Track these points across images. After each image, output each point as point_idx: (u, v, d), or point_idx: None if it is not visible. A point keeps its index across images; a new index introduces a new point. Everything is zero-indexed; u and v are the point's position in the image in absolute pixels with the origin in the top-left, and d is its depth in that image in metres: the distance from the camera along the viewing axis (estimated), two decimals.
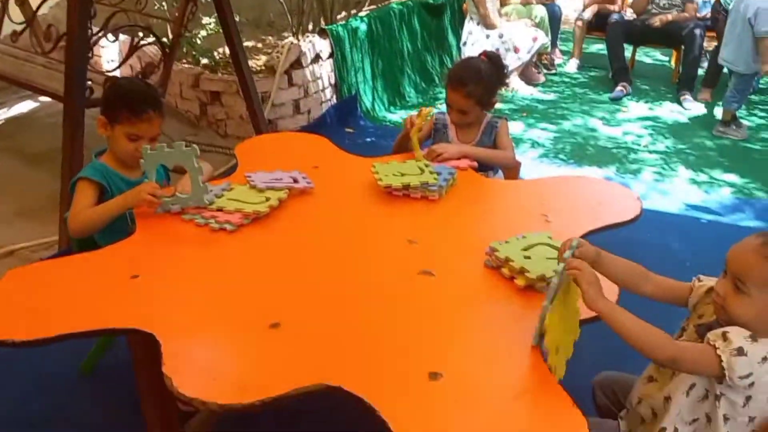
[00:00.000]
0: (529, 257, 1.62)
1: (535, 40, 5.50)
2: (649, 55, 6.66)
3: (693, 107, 5.20)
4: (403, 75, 5.41)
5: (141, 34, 3.36)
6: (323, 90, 4.51)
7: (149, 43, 3.46)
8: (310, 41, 4.31)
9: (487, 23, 5.47)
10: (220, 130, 4.18)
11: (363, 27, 4.83)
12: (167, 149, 1.81)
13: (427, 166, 2.11)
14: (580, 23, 6.08)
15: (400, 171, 2.07)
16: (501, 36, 5.49)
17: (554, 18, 6.10)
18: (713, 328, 1.33)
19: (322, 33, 4.50)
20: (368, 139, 4.55)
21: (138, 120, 1.90)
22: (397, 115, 5.04)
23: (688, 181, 3.95)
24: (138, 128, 1.91)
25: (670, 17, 5.46)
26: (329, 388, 1.26)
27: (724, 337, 1.27)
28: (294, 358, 1.33)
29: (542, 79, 5.85)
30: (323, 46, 4.44)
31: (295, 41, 4.23)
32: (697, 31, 5.31)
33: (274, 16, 5.37)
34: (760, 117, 5.07)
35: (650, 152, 4.37)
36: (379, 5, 5.37)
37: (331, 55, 4.53)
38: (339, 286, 1.60)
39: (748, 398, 1.28)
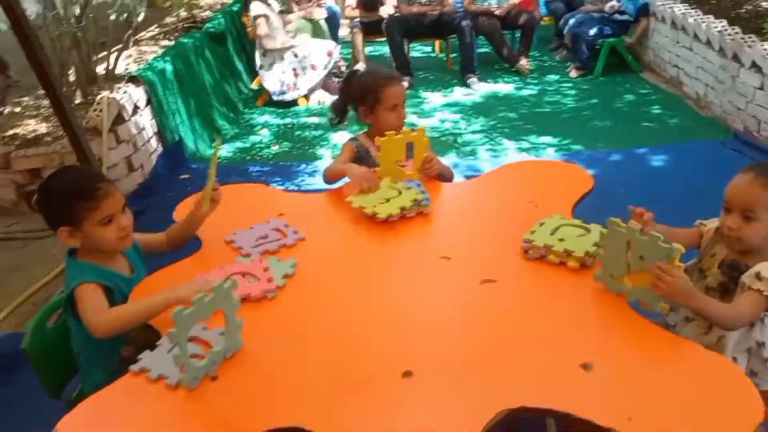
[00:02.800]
0: (563, 239, 1.75)
1: (330, 54, 5.66)
2: (417, 49, 7.23)
3: (480, 87, 5.83)
4: (212, 109, 5.20)
5: None
6: (149, 141, 4.15)
7: None
8: (125, 92, 3.93)
9: (264, 45, 5.49)
10: None
11: (169, 67, 4.53)
12: (206, 299, 1.35)
13: (395, 184, 2.11)
14: (356, 30, 6.38)
15: (383, 198, 2.05)
16: (296, 55, 5.56)
17: (334, 27, 6.34)
18: (734, 264, 1.59)
19: (133, 80, 4.13)
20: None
21: (98, 200, 1.67)
22: (222, 150, 4.83)
23: (517, 150, 4.45)
24: (104, 209, 1.68)
25: (436, 12, 6.01)
26: (512, 411, 1.26)
27: (759, 276, 1.51)
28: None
29: None
30: (139, 94, 4.08)
31: (110, 95, 3.82)
32: (464, 22, 5.93)
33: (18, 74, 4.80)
34: (542, 82, 5.87)
35: (472, 133, 4.82)
36: (172, 40, 5.09)
37: (148, 102, 4.18)
38: (419, 313, 1.57)
39: None
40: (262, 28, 5.43)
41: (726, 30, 4.42)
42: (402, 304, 1.63)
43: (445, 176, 2.36)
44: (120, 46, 5.01)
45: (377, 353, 1.46)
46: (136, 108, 4.02)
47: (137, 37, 5.69)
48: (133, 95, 3.99)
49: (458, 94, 5.76)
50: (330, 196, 2.24)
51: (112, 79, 4.69)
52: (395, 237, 1.94)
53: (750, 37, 4.15)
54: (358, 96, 2.36)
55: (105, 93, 3.86)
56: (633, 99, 5.26)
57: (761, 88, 3.97)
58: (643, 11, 5.75)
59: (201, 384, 1.37)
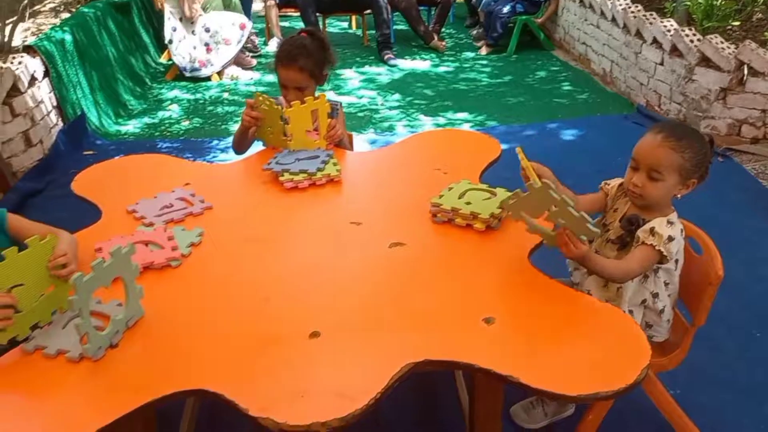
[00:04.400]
0: (470, 203, 1.78)
1: (243, 27, 5.51)
2: (334, 25, 7.16)
3: (398, 63, 5.84)
4: (117, 83, 4.96)
5: None
6: (48, 114, 3.91)
7: None
8: (20, 62, 3.68)
9: (191, 17, 5.30)
10: None
11: (68, 38, 4.28)
12: (105, 264, 1.30)
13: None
14: (270, 3, 6.24)
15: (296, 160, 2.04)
16: (208, 30, 5.39)
17: (247, 1, 6.16)
18: (633, 218, 1.67)
19: (29, 50, 3.87)
20: (116, 156, 4.11)
21: None
22: (129, 126, 4.65)
23: (434, 126, 4.49)
24: None
25: None
26: (417, 365, 1.27)
27: (652, 232, 1.60)
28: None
29: (254, 62, 5.91)
30: (35, 65, 3.83)
31: (4, 65, 3.57)
32: None
33: None
34: (458, 59, 5.93)
35: (389, 109, 4.82)
36: (73, 10, 4.79)
37: (46, 74, 3.94)
38: (327, 276, 1.56)
39: (677, 261, 1.67)
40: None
41: (630, 8, 4.60)
42: (310, 268, 1.61)
43: (346, 143, 2.38)
44: (15, 18, 4.67)
45: (284, 316, 1.44)
46: (33, 79, 3.78)
47: (35, 8, 5.33)
48: (29, 66, 3.74)
49: (375, 70, 5.75)
50: (239, 165, 2.20)
51: (7, 51, 4.38)
52: (305, 204, 1.92)
53: (652, 14, 4.34)
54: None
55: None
56: (545, 75, 5.42)
57: (661, 64, 4.18)
58: None
59: (105, 354, 1.31)
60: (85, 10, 4.85)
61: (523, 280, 1.53)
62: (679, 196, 1.65)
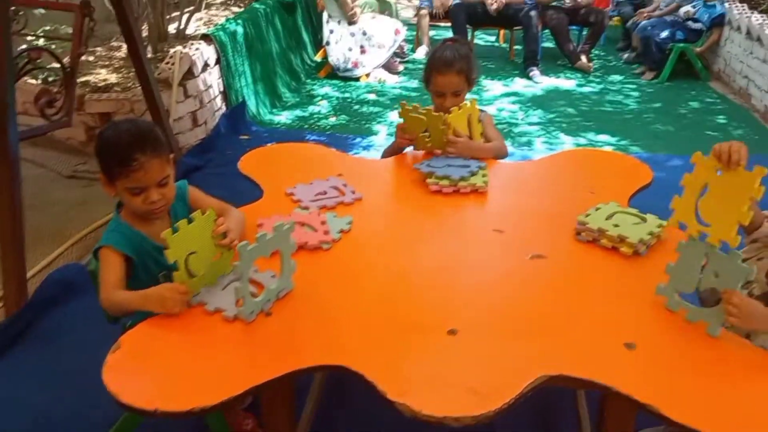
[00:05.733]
0: (617, 225, 1.76)
1: (397, 33, 5.70)
2: (480, 38, 7.20)
3: (542, 80, 5.78)
4: (276, 76, 5.30)
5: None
6: (215, 99, 4.27)
7: (42, 68, 3.01)
8: (197, 48, 4.04)
9: (354, 20, 5.56)
10: None
11: (240, 30, 4.64)
12: (268, 236, 1.45)
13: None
14: (424, 12, 6.40)
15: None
16: (365, 33, 5.62)
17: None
18: None
19: (205, 38, 4.25)
20: (267, 143, 4.40)
21: (130, 171, 1.58)
22: (282, 116, 4.95)
23: (574, 145, 4.41)
24: (134, 180, 1.59)
25: (504, 1, 5.97)
26: (552, 378, 1.29)
27: None
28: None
29: (401, 67, 6.08)
30: (209, 52, 4.20)
31: (184, 50, 3.94)
32: (532, 13, 5.88)
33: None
34: (605, 81, 5.80)
35: (529, 124, 4.80)
36: (241, 7, 5.21)
37: (217, 62, 4.30)
38: (468, 277, 1.61)
39: None
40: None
41: None
42: (452, 267, 1.67)
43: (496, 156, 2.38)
44: (192, 7, 5.13)
45: (425, 309, 1.50)
46: (206, 66, 4.14)
47: (208, 0, 5.82)
48: (204, 53, 4.10)
49: (519, 85, 5.73)
50: (389, 163, 2.30)
51: (182, 38, 4.82)
52: (449, 207, 1.99)
53: None
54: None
55: (178, 47, 3.97)
56: (698, 107, 5.15)
57: None
58: (718, 21, 5.60)
59: (256, 319, 1.45)
60: (257, 6, 5.22)
61: (666, 310, 1.50)
62: None
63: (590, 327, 1.44)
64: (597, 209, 1.85)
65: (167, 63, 3.82)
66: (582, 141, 4.48)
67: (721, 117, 4.90)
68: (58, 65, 3.00)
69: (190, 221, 1.52)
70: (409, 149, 2.37)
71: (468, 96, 2.40)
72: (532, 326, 1.45)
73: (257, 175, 2.17)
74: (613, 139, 4.49)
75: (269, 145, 2.49)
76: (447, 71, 2.32)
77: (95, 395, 1.55)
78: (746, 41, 5.15)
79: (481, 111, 2.39)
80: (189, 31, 5.01)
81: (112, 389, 1.25)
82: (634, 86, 5.66)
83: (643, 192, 2.09)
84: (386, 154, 2.42)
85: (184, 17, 5.01)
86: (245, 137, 4.41)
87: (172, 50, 3.90)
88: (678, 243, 1.48)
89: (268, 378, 1.28)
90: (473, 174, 2.10)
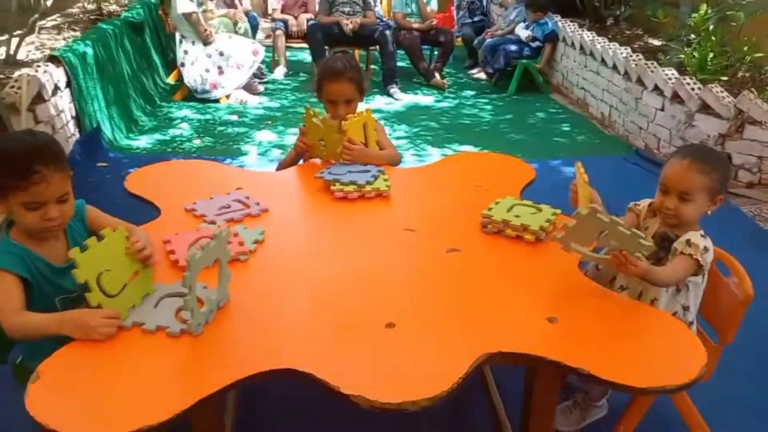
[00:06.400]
0: (519, 215, 1.89)
1: (256, 53, 5.65)
2: None
3: (402, 97, 6.01)
4: (130, 99, 5.04)
5: None
6: (67, 124, 3.96)
7: None
8: (45, 71, 3.74)
9: (209, 40, 5.44)
10: None
11: (90, 51, 4.36)
12: (211, 244, 1.41)
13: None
14: (279, 32, 6.40)
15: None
16: (222, 53, 5.51)
17: (253, 30, 6.33)
18: (665, 235, 1.80)
19: (53, 60, 3.94)
20: (129, 170, 4.15)
21: (29, 184, 1.45)
22: (141, 141, 4.71)
23: (441, 156, 4.62)
24: (33, 194, 1.46)
25: (359, 20, 6.15)
26: (491, 356, 1.36)
27: (689, 243, 1.71)
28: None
29: (262, 88, 6.03)
30: (59, 75, 3.90)
31: (32, 72, 3.62)
32: (387, 32, 6.11)
33: None
34: (459, 96, 6.13)
35: (397, 139, 4.95)
36: (77, 31, 4.88)
37: (67, 85, 4.00)
38: (392, 275, 1.65)
39: (703, 276, 1.78)
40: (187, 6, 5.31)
41: (631, 56, 4.85)
42: (374, 267, 1.70)
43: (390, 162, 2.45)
44: (22, 31, 4.72)
45: (358, 307, 1.52)
46: (56, 89, 3.84)
47: (39, 24, 5.39)
48: (53, 75, 3.80)
49: (380, 102, 5.91)
50: (288, 174, 2.29)
51: (12, 64, 4.41)
52: (357, 212, 2.02)
53: (653, 63, 4.58)
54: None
55: (25, 70, 3.64)
56: (544, 117, 5.62)
57: (662, 109, 4.40)
58: (550, 37, 6.18)
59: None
60: (104, 26, 4.94)
61: (578, 285, 1.63)
62: (709, 212, 1.78)
63: (515, 308, 1.54)
64: (497, 203, 1.97)
65: (12, 87, 3.48)
66: (448, 152, 4.70)
67: (565, 125, 5.38)
68: None
69: (100, 239, 1.42)
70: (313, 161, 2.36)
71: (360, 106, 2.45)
72: (463, 312, 1.51)
73: (149, 194, 2.06)
74: (476, 149, 4.76)
75: (158, 164, 2.36)
76: (339, 79, 2.35)
77: None
78: (580, 56, 5.72)
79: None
80: (20, 56, 4.59)
81: (40, 419, 1.13)
82: (486, 101, 6.05)
83: (532, 188, 2.26)
84: (282, 165, 2.40)
85: (14, 41, 4.58)
86: (104, 164, 4.14)
87: (17, 73, 3.57)
88: (576, 212, 1.62)
89: (217, 389, 1.22)
90: (375, 178, 2.15)
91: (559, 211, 1.93)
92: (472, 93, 6.27)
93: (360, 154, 2.27)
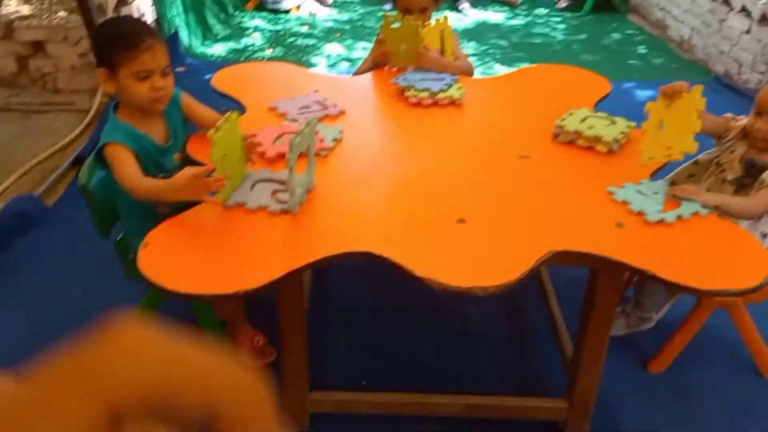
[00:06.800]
0: (592, 126, 1.91)
1: None
2: None
3: (471, 13, 5.88)
4: (205, 6, 5.10)
5: None
6: None
7: None
8: None
9: None
10: (48, 85, 3.58)
11: None
12: (305, 130, 1.48)
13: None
14: None
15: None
16: None
17: None
18: (752, 161, 1.79)
19: None
20: (206, 77, 4.28)
21: (138, 52, 1.60)
22: (216, 49, 4.82)
23: None
24: (141, 63, 1.61)
25: None
26: (557, 254, 1.43)
27: None
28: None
29: (331, 0, 6.00)
30: None
31: None
32: None
33: None
34: (531, 14, 5.96)
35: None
36: None
37: None
38: (463, 174, 1.72)
39: None
40: None
41: None
42: (447, 167, 1.77)
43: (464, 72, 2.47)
44: None
45: (431, 203, 1.60)
46: None
47: None
48: None
49: (449, 18, 5.79)
50: (364, 79, 2.35)
51: None
52: (431, 117, 2.07)
53: None
54: None
55: None
56: (620, 38, 5.43)
57: (748, 32, 4.19)
58: None
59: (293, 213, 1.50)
60: None
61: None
62: None
63: (583, 211, 1.59)
64: (570, 114, 1.99)
65: None
66: None
67: (641, 47, 5.19)
68: None
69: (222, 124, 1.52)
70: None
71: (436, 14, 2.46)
72: (532, 212, 1.58)
73: (234, 92, 2.16)
74: None
75: (241, 64, 2.46)
76: None
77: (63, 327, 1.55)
78: None
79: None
80: None
81: (151, 277, 1.28)
82: (559, 19, 5.86)
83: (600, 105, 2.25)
84: (358, 72, 2.46)
85: None
86: (182, 69, 4.27)
87: None
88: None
89: (307, 262, 1.35)
90: (449, 86, 2.18)
91: (634, 123, 1.94)
92: (545, 11, 6.07)
93: (435, 61, 2.30)
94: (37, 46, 3.45)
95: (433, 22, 2.39)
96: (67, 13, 3.58)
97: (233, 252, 1.39)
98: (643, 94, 4.25)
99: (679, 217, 1.54)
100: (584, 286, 1.71)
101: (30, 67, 3.51)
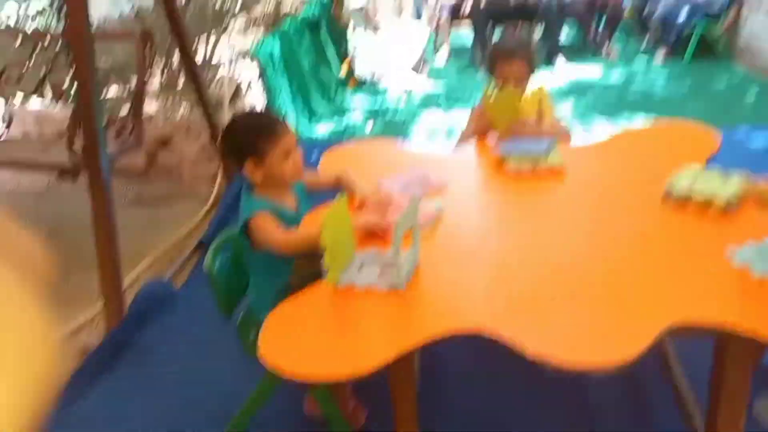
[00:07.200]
0: (704, 185, 1.84)
1: (421, 37, 5.84)
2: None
3: (566, 69, 5.90)
4: (309, 91, 5.43)
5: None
6: None
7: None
8: (240, 72, 4.20)
9: (377, 28, 5.72)
10: (173, 176, 3.91)
11: (276, 48, 4.79)
12: (410, 211, 1.59)
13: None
14: (444, 13, 6.53)
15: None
16: (389, 40, 5.76)
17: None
18: None
19: (244, 58, 4.40)
20: (313, 155, 4.55)
21: (280, 136, 1.89)
22: (320, 129, 5.09)
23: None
24: (284, 143, 1.89)
25: None
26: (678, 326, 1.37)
27: None
28: None
29: (426, 72, 6.20)
30: (251, 73, 4.35)
31: (230, 74, 4.09)
32: (554, 2, 5.99)
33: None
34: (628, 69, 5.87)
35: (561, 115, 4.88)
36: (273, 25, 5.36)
37: (260, 76, 4.45)
38: (568, 250, 1.70)
39: None
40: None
41: None
42: (554, 237, 1.76)
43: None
44: (216, 33, 5.23)
45: (539, 277, 1.58)
46: (249, 85, 4.28)
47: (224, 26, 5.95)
48: (246, 73, 4.25)
49: (543, 76, 5.82)
50: (461, 153, 2.41)
51: (207, 66, 4.94)
52: (533, 188, 2.06)
53: None
54: None
55: (221, 70, 4.11)
56: (727, 85, 5.22)
57: None
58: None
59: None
60: (287, 26, 5.39)
61: None
62: None
63: (702, 279, 1.52)
64: (681, 174, 1.93)
65: (218, 85, 3.96)
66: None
67: (750, 93, 4.95)
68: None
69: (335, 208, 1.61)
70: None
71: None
72: (647, 283, 1.53)
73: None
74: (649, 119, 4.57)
75: (348, 144, 2.61)
76: (513, 58, 2.43)
77: (199, 404, 1.61)
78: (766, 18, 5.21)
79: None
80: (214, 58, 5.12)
81: (270, 362, 1.36)
82: (659, 71, 5.73)
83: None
84: (463, 138, 2.53)
85: (210, 44, 5.11)
86: None
87: (219, 75, 4.05)
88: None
89: (417, 342, 1.38)
90: (549, 151, 2.18)
91: (750, 180, 1.85)
92: (642, 64, 5.96)
93: (533, 129, 2.33)
94: (162, 143, 3.82)
95: (529, 91, 2.43)
96: (188, 109, 3.95)
97: (346, 334, 1.45)
98: (757, 138, 4.03)
99: None
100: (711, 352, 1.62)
101: (158, 161, 3.87)
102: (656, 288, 1.51)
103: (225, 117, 3.89)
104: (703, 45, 5.82)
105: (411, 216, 1.57)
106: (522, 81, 2.45)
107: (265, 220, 1.86)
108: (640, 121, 4.57)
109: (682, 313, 1.40)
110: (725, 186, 1.83)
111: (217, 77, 4.07)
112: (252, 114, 2.04)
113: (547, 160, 2.15)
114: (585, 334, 1.39)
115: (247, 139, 1.89)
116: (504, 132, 2.38)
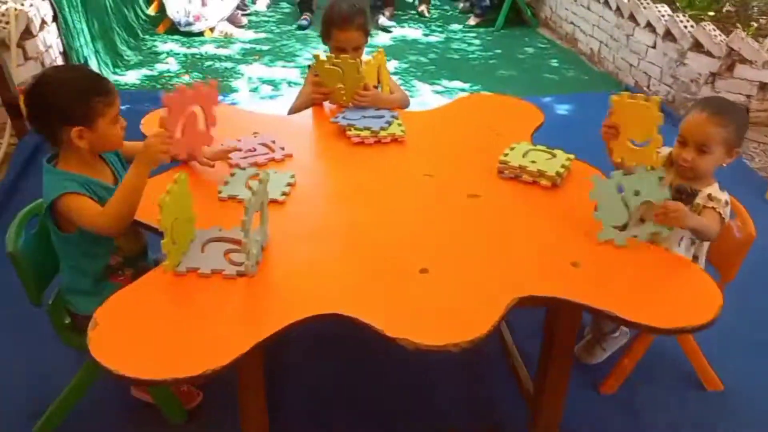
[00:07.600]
0: (534, 161, 1.95)
1: None
2: None
3: (392, 27, 5.93)
4: (114, 33, 4.88)
5: None
6: (55, 60, 3.85)
7: None
8: (31, 5, 3.60)
9: None
10: None
11: None
12: (259, 186, 1.47)
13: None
14: None
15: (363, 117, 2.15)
16: None
17: None
18: (681, 187, 1.86)
19: None
20: (123, 107, 4.10)
21: (114, 96, 1.67)
22: (127, 77, 4.60)
23: (432, 93, 4.63)
24: (117, 105, 1.68)
25: None
26: (522, 300, 1.44)
27: (710, 197, 1.79)
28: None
29: (245, 20, 5.88)
30: (45, 8, 3.76)
31: (18, 6, 3.49)
32: None
33: None
34: (446, 30, 6.05)
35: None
36: None
37: (54, 19, 3.87)
38: (419, 221, 1.71)
39: None
40: None
41: None
42: (400, 212, 1.76)
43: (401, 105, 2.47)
44: None
45: (391, 254, 1.57)
46: (43, 23, 3.71)
47: None
48: (40, 9, 3.67)
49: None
50: (303, 118, 2.31)
51: None
52: (376, 156, 2.05)
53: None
54: None
55: (11, 3, 3.50)
56: (533, 52, 5.60)
57: (654, 47, 4.43)
58: None
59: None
60: None
61: (595, 230, 1.70)
62: (724, 165, 1.85)
63: (539, 253, 1.61)
64: (512, 148, 2.02)
65: (0, 22, 3.37)
66: (438, 88, 4.71)
67: (553, 61, 5.38)
68: None
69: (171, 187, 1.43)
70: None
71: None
72: (490, 257, 1.59)
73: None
74: (466, 86, 4.77)
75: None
76: (348, 27, 2.35)
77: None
78: None
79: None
80: None
81: (105, 363, 1.19)
82: (473, 35, 5.99)
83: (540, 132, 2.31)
84: (293, 110, 2.41)
85: None
86: None
87: (4, 6, 3.43)
88: (588, 192, 1.68)
89: (270, 333, 1.29)
90: (390, 124, 2.17)
91: (572, 156, 1.99)
92: (459, 27, 6.19)
93: (374, 99, 2.29)
94: None
95: (365, 57, 2.38)
96: None
97: (191, 326, 1.31)
98: (562, 107, 4.40)
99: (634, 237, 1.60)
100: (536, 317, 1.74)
101: None
102: (499, 262, 1.57)
103: (12, 59, 3.34)
104: (514, 14, 6.17)
105: (259, 196, 1.45)
106: (359, 49, 2.39)
107: (77, 200, 1.60)
108: (456, 86, 4.76)
109: (524, 288, 1.47)
110: (552, 162, 1.95)
111: (2, 10, 3.45)
112: (69, 69, 1.72)
113: (388, 130, 2.13)
114: (438, 312, 1.40)
115: (70, 102, 1.59)
116: (345, 100, 2.31)
